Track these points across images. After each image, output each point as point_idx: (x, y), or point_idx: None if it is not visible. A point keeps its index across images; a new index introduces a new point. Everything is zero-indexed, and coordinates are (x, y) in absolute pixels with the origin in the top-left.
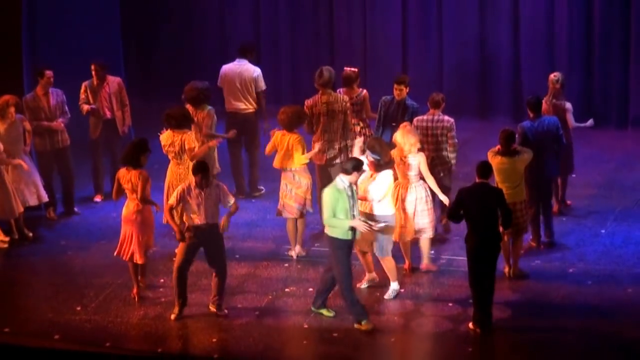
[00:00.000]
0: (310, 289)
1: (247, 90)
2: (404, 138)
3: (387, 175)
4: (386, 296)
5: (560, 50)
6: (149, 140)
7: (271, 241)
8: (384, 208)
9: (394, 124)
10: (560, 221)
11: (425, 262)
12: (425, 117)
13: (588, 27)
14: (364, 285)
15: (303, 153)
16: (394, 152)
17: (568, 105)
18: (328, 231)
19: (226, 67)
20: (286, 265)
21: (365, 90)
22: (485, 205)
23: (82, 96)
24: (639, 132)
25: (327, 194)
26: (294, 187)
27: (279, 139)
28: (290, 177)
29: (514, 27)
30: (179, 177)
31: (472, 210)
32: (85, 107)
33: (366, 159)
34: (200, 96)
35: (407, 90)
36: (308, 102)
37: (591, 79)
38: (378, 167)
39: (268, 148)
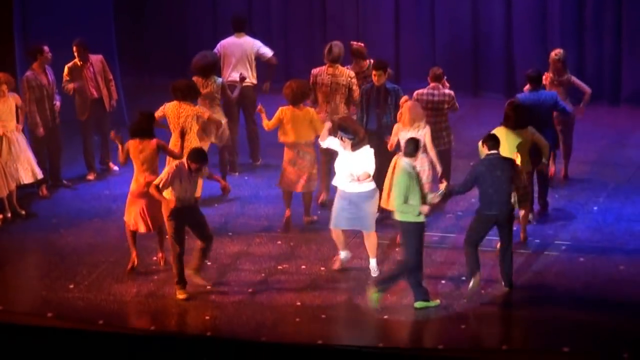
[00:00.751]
0: (303, 267)
1: (248, 62)
2: (413, 112)
3: (368, 150)
4: (374, 274)
5: (552, 26)
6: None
7: (264, 218)
8: (365, 184)
9: (377, 111)
10: (553, 198)
11: None
12: (425, 90)
13: (580, 3)
14: (338, 266)
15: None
16: (397, 126)
17: (568, 76)
18: (399, 216)
19: (225, 41)
20: (279, 242)
21: (373, 61)
22: (502, 176)
23: (66, 78)
24: (631, 108)
25: (401, 180)
26: (297, 162)
27: (288, 114)
28: (295, 152)
29: (506, 3)
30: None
31: (487, 181)
32: (70, 86)
33: (340, 141)
34: (210, 67)
35: (388, 75)
36: (314, 70)
37: (584, 56)
38: (356, 145)
39: (272, 123)
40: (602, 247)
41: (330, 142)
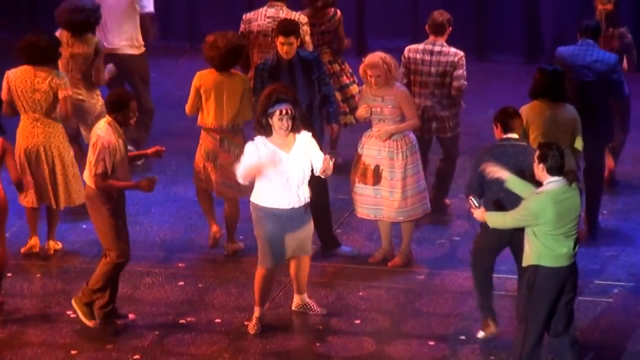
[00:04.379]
0: (218, 320)
1: (128, 18)
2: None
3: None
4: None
5: None
6: None
7: (158, 247)
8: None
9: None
10: (600, 214)
11: None
12: (422, 46)
13: None
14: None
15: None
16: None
17: (623, 29)
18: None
19: None
20: (181, 283)
21: (339, 12)
22: (518, 172)
23: None
24: None
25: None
26: (219, 157)
27: (209, 80)
28: (215, 141)
29: None
30: (41, 141)
31: (495, 179)
32: None
33: (278, 121)
34: (92, 18)
35: (299, 41)
36: (247, 15)
37: None
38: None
39: (190, 101)
40: None
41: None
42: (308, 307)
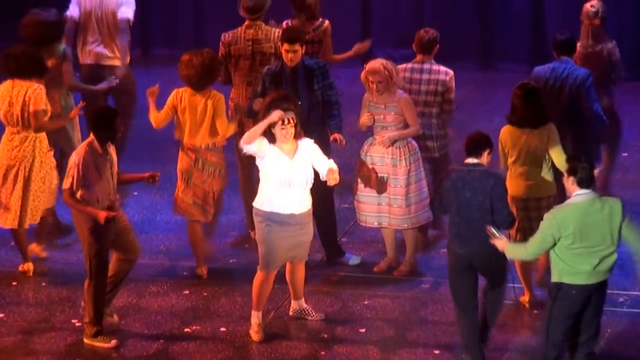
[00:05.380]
0: (222, 329)
1: (112, 28)
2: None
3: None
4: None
5: None
6: None
7: (164, 255)
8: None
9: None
10: None
11: None
12: (410, 65)
13: None
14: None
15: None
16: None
17: (611, 45)
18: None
19: None
20: (186, 292)
21: (327, 22)
22: (473, 199)
23: None
24: None
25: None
26: (193, 176)
27: (184, 99)
28: (191, 160)
29: None
30: (15, 155)
31: (453, 204)
32: None
33: (280, 130)
34: (51, 33)
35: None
36: (225, 36)
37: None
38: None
39: (162, 115)
40: None
41: (259, 144)
42: (305, 312)
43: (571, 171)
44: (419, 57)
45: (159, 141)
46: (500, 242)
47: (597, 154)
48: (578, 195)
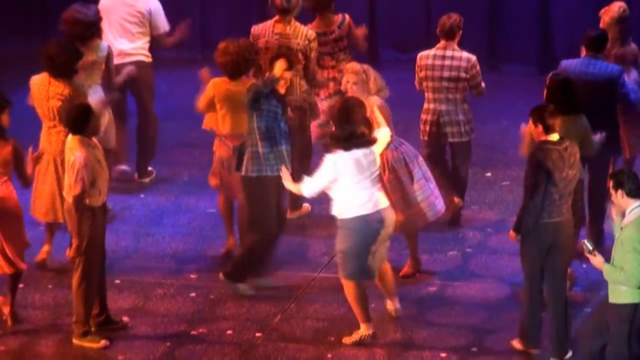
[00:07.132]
0: (229, 332)
1: (137, 25)
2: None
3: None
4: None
5: None
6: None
7: (170, 257)
8: None
9: None
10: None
11: None
12: (433, 52)
13: None
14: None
15: None
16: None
17: (634, 46)
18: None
19: None
20: (193, 294)
21: (347, 16)
22: (571, 173)
23: None
24: None
25: None
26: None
27: (221, 89)
28: (229, 149)
29: None
30: (54, 149)
31: (555, 178)
32: None
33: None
34: (89, 32)
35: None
36: (255, 28)
37: None
38: None
39: (201, 101)
40: None
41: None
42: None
43: (618, 184)
44: (442, 43)
45: (166, 144)
46: (597, 260)
47: (619, 149)
48: (636, 208)
